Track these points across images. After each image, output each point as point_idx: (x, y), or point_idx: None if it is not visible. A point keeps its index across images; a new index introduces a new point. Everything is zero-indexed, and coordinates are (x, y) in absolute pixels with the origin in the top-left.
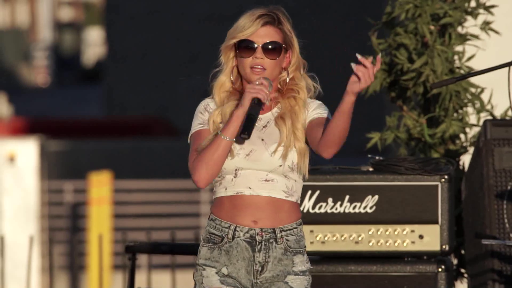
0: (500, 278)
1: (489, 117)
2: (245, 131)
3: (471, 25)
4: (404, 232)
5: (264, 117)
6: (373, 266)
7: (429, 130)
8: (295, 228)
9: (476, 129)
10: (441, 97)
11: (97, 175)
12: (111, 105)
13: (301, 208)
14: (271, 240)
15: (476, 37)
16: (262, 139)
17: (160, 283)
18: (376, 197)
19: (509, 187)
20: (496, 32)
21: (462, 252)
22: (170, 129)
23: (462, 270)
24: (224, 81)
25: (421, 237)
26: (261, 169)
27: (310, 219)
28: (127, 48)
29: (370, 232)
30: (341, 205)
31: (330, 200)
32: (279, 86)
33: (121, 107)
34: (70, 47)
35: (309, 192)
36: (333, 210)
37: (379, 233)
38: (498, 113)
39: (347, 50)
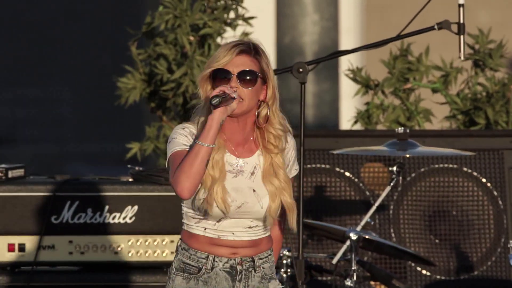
0: None
1: None
2: (215, 98)
3: (230, 36)
4: (164, 243)
5: (250, 162)
6: (132, 276)
7: None
8: (270, 255)
9: None
10: None
11: None
12: None
13: (60, 219)
14: (250, 269)
15: None
16: (254, 190)
17: None
18: (136, 207)
19: None
20: None
21: None
22: None
23: None
24: (204, 118)
25: None
26: (248, 218)
27: (69, 229)
28: None
29: (130, 243)
30: (100, 216)
31: (89, 210)
32: (259, 122)
33: None
34: None
35: (68, 202)
36: (93, 220)
37: (138, 243)
38: None
39: (104, 60)
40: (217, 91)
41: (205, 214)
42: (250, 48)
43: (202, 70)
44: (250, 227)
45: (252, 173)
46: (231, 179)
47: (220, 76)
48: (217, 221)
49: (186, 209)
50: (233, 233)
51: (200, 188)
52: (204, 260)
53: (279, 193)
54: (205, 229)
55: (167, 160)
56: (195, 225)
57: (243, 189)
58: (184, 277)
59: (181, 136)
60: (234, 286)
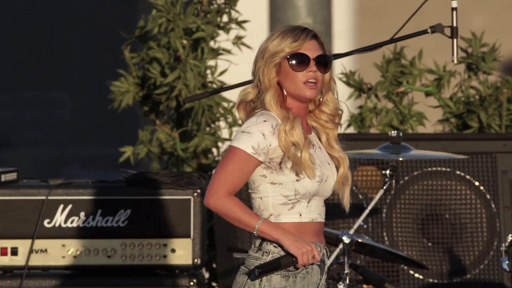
0: None
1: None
2: (259, 269)
3: (223, 40)
4: (157, 246)
5: (313, 138)
6: (125, 280)
7: (182, 144)
8: None
9: (228, 143)
10: (194, 111)
11: None
12: None
13: (53, 223)
14: (326, 260)
15: (228, 51)
16: (329, 163)
17: None
18: (129, 211)
19: None
20: (248, 47)
21: (214, 265)
22: None
23: (214, 284)
24: (273, 101)
25: (173, 251)
26: (324, 196)
27: (62, 233)
28: None
29: (123, 246)
30: (93, 219)
31: (82, 214)
32: (314, 104)
33: None
34: None
35: (61, 206)
36: (86, 224)
37: (131, 247)
38: None
39: (103, 63)
40: (318, 257)
41: (298, 193)
42: (316, 33)
43: (259, 57)
44: (323, 206)
45: (320, 147)
46: (314, 153)
47: (297, 60)
48: (308, 202)
49: (274, 198)
50: (319, 214)
51: (286, 161)
52: None
53: (343, 164)
54: (300, 214)
55: (230, 143)
56: (289, 213)
57: (323, 163)
58: (283, 275)
59: (257, 134)
60: (321, 279)
